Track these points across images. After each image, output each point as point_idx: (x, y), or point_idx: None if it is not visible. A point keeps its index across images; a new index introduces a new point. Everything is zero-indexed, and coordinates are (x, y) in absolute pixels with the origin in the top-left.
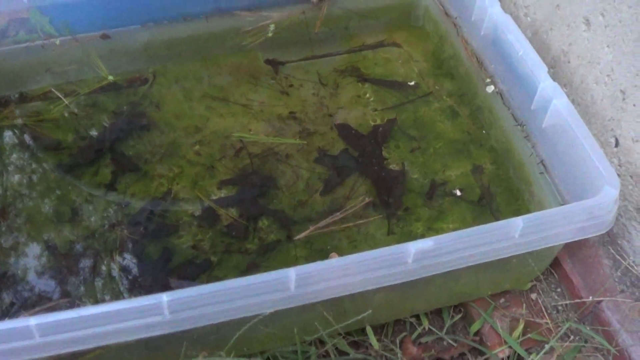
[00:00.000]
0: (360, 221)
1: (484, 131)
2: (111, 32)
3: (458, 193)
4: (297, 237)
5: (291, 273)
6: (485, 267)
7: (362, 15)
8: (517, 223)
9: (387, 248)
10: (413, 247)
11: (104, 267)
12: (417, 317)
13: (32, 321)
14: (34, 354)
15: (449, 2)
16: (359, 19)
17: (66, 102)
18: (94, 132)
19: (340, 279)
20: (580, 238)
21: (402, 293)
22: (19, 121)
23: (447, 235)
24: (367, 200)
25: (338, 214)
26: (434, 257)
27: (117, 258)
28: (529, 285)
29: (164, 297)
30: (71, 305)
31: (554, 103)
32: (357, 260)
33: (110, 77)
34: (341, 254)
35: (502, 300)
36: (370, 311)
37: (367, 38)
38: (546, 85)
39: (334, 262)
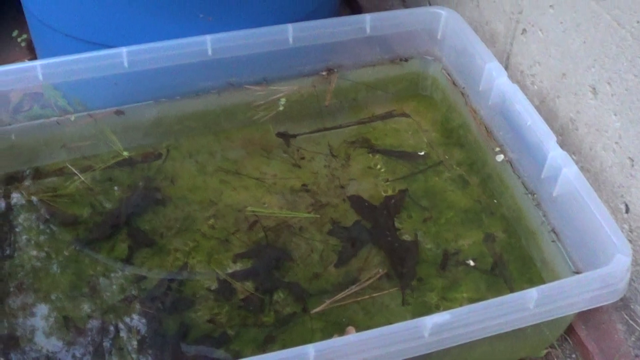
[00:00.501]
0: (376, 294)
1: (495, 200)
2: (125, 108)
3: (472, 263)
4: (314, 310)
5: (310, 350)
6: (501, 337)
7: (371, 86)
8: (532, 294)
9: (404, 323)
10: (430, 321)
11: (121, 342)
12: None
13: None
14: None
15: (457, 72)
16: (368, 90)
17: (82, 178)
18: (109, 207)
19: (358, 355)
20: (594, 307)
21: None
22: (35, 196)
23: (463, 308)
24: (381, 272)
25: (354, 287)
26: (450, 330)
27: (135, 332)
28: (544, 352)
29: None
30: None
31: (564, 172)
32: (374, 335)
33: (125, 153)
34: (357, 326)
35: None
36: None
37: (376, 109)
38: (556, 155)
39: (352, 338)
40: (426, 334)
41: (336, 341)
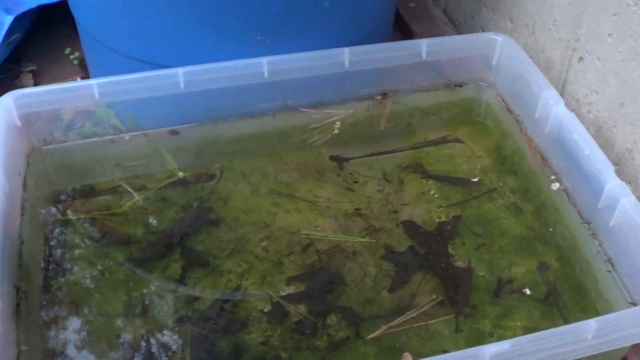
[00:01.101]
0: (432, 320)
1: (549, 228)
2: (179, 128)
3: (528, 292)
4: (370, 336)
5: None
6: None
7: (424, 111)
8: (591, 325)
9: (463, 351)
10: (489, 351)
11: None
12: None
13: None
14: None
15: (511, 99)
16: (421, 115)
17: (137, 197)
18: (163, 227)
19: None
20: None
21: None
22: (89, 214)
23: (522, 338)
24: (437, 300)
25: (410, 312)
26: (509, 359)
27: (188, 354)
28: None
29: None
30: None
31: (621, 202)
32: None
33: (181, 174)
34: (410, 352)
35: None
36: None
37: (430, 134)
38: (614, 185)
39: None
40: None
41: None
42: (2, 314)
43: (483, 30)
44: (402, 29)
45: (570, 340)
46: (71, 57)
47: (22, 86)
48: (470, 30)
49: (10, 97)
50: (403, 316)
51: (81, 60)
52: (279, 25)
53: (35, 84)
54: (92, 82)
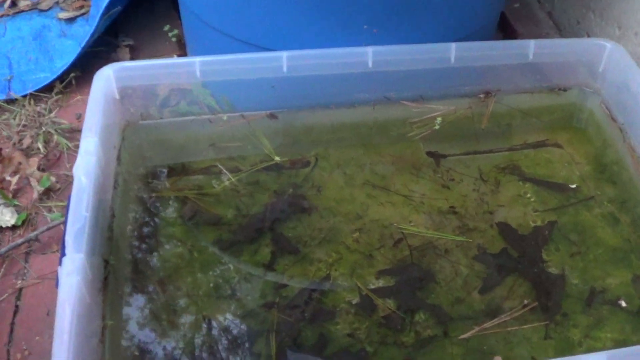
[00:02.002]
0: (524, 326)
1: None
2: (278, 112)
3: (623, 304)
4: (462, 336)
5: None
6: None
7: (526, 113)
8: None
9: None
10: None
11: (259, 348)
12: None
13: None
14: None
15: (616, 108)
16: (522, 117)
17: (232, 178)
18: (255, 211)
19: None
20: None
21: None
22: (181, 193)
23: (620, 350)
24: (532, 305)
25: (504, 315)
26: None
27: (274, 340)
28: None
29: None
30: None
31: None
32: None
33: (277, 158)
34: (499, 355)
35: None
36: None
37: (529, 137)
38: None
39: None
40: None
41: None
42: (90, 286)
43: (588, 36)
44: (505, 30)
45: None
46: (170, 34)
47: (118, 60)
48: (575, 34)
49: (111, 69)
50: (497, 319)
51: (179, 38)
52: (386, 15)
53: (132, 59)
54: (195, 59)
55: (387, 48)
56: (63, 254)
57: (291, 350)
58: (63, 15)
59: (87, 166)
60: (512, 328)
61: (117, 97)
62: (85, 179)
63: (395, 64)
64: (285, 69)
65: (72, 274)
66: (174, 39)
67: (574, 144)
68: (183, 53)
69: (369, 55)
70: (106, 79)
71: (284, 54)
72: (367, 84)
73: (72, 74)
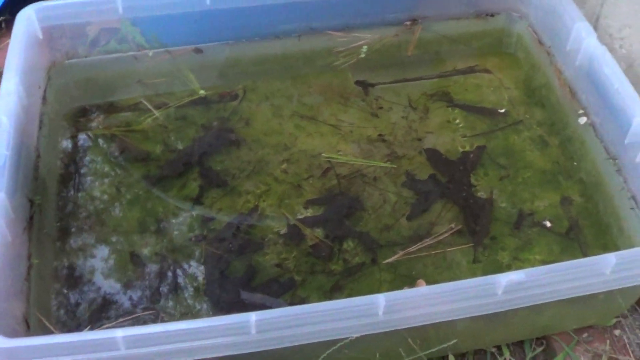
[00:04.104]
0: (449, 249)
1: (574, 163)
2: (203, 46)
3: (548, 224)
4: (386, 261)
5: (381, 299)
6: (572, 302)
7: (454, 40)
8: (610, 259)
9: (477, 279)
10: (504, 279)
11: (187, 281)
12: (499, 347)
13: (118, 333)
14: None
15: (543, 31)
16: (451, 43)
17: (157, 114)
18: (182, 145)
19: (429, 308)
20: None
21: (486, 323)
22: (108, 130)
23: (539, 268)
24: (456, 228)
25: (428, 239)
26: (524, 289)
27: (201, 273)
28: (614, 321)
29: (253, 317)
30: (154, 318)
31: None
32: (447, 289)
33: (202, 92)
34: (425, 280)
35: (585, 335)
36: (455, 340)
37: (458, 63)
38: None
39: (424, 290)
40: (500, 291)
41: (407, 292)
42: (14, 226)
43: None
44: None
45: (588, 274)
46: None
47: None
48: None
49: (32, 9)
50: (420, 243)
51: None
52: None
53: None
54: None
55: None
56: None
57: (251, 286)
58: None
59: (7, 106)
60: (440, 251)
61: (41, 37)
62: (5, 118)
63: None
64: (208, 2)
65: None
66: None
67: (502, 69)
68: None
69: None
70: (27, 19)
71: None
72: (291, 14)
73: (2, 18)
